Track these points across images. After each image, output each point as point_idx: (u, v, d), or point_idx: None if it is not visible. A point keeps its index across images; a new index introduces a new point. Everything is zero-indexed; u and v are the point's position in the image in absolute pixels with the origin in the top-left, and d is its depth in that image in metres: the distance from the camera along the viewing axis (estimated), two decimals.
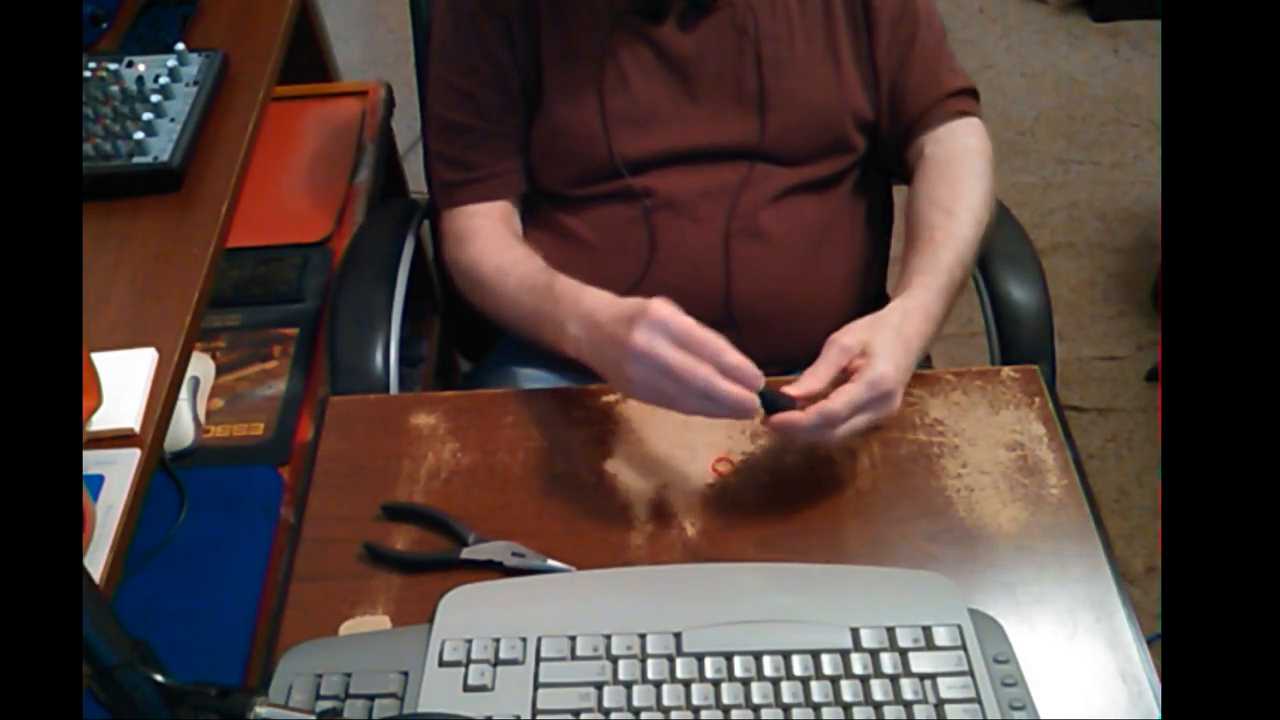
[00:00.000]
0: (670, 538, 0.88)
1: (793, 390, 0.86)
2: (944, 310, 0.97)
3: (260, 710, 0.64)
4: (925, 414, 0.95)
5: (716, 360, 0.83)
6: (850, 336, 0.88)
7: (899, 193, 1.20)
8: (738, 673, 0.76)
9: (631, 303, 0.88)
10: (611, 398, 0.98)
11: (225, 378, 1.39)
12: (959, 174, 1.07)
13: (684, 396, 0.84)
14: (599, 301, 0.94)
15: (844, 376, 0.87)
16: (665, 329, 0.84)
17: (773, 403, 0.85)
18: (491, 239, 1.10)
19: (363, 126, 1.68)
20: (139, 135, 1.18)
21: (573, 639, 0.79)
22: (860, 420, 0.86)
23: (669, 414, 0.95)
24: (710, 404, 0.84)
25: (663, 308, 0.85)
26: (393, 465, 0.94)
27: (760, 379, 0.84)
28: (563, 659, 0.78)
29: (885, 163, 1.19)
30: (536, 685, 0.77)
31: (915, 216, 1.05)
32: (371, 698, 0.76)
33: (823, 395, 0.85)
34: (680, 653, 0.78)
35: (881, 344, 0.87)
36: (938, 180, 1.07)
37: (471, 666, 0.77)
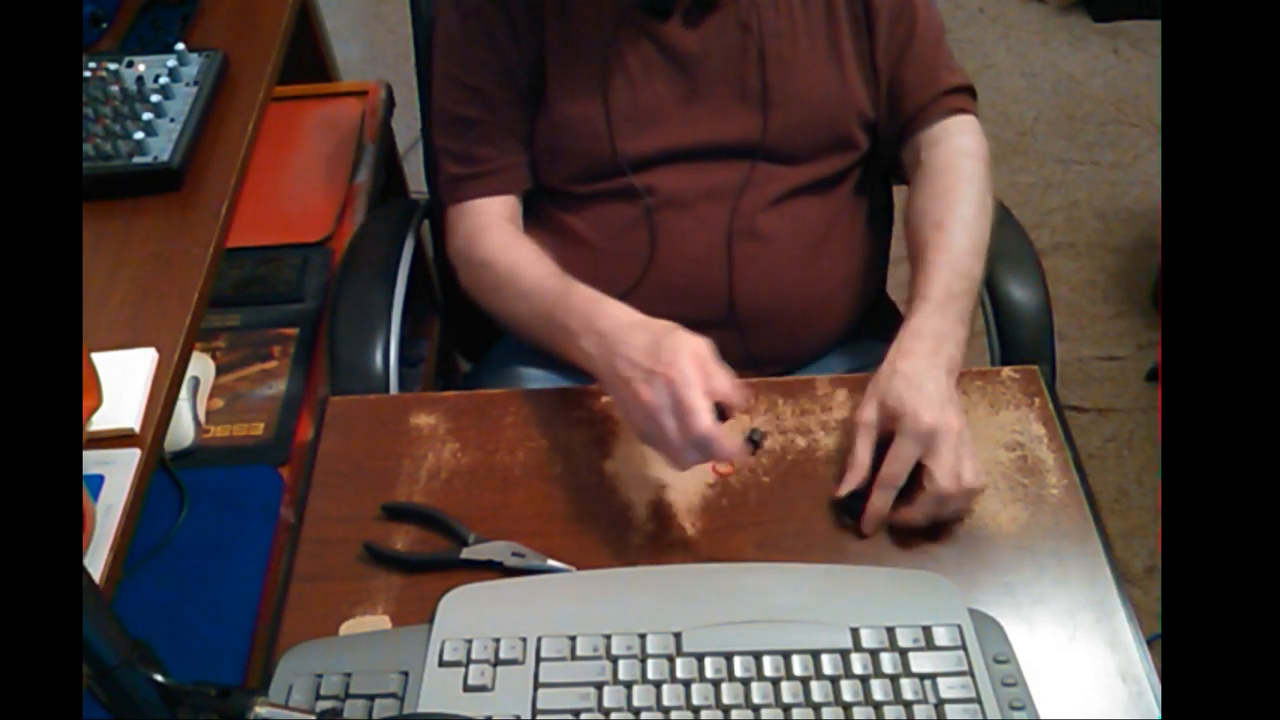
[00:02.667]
0: (670, 538, 0.88)
1: (847, 485, 0.88)
2: (953, 321, 0.96)
3: (260, 710, 0.64)
4: None
5: (704, 449, 0.84)
6: (868, 409, 0.90)
7: (899, 193, 1.20)
8: (738, 673, 0.76)
9: (655, 344, 0.87)
10: (611, 398, 0.98)
11: (225, 378, 1.39)
12: (949, 182, 1.07)
13: (672, 456, 0.86)
14: (622, 324, 0.93)
15: (887, 443, 0.89)
16: (674, 400, 0.84)
17: (853, 509, 0.88)
18: (502, 236, 1.10)
19: (363, 126, 1.69)
20: (139, 135, 1.18)
21: (573, 639, 0.79)
22: (955, 471, 0.85)
23: None
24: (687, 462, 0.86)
25: (682, 371, 0.84)
26: (393, 465, 0.94)
27: (740, 455, 0.86)
28: (563, 659, 0.78)
29: (884, 162, 1.20)
30: (536, 685, 0.77)
31: (910, 234, 1.06)
32: (371, 698, 0.76)
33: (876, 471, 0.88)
34: (680, 653, 0.78)
35: (900, 394, 0.88)
36: (929, 193, 1.07)
37: (471, 666, 0.77)
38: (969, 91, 1.15)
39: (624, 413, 0.90)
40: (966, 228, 1.02)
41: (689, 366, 0.84)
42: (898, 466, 0.86)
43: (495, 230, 1.11)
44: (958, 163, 1.08)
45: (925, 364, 0.91)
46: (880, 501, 0.87)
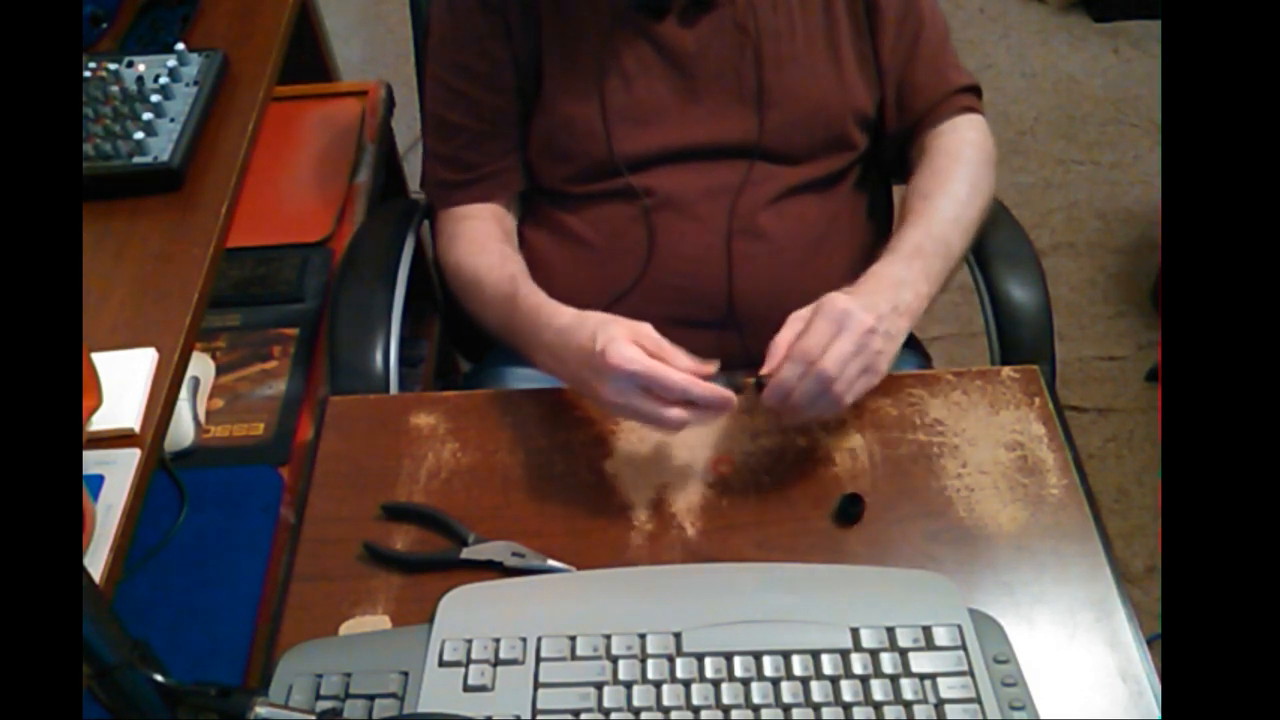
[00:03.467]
0: (670, 538, 0.88)
1: (766, 367, 0.87)
2: (916, 272, 0.96)
3: (260, 710, 0.64)
4: (925, 414, 0.95)
5: (686, 397, 0.85)
6: (804, 310, 0.90)
7: (898, 192, 1.20)
8: (738, 673, 0.76)
9: (589, 343, 0.88)
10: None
11: (225, 378, 1.39)
12: (945, 164, 1.08)
13: (666, 427, 0.87)
14: (557, 330, 0.94)
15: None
16: (632, 380, 0.85)
17: (851, 510, 0.88)
18: (472, 243, 1.11)
19: (363, 126, 1.68)
20: (139, 135, 1.18)
21: (573, 639, 0.79)
22: (846, 359, 0.85)
23: None
24: (689, 423, 0.87)
25: (619, 354, 0.85)
26: (393, 465, 0.94)
27: (732, 400, 0.86)
28: (563, 659, 0.78)
29: (885, 162, 1.20)
30: (536, 685, 0.77)
31: (900, 208, 1.07)
32: (371, 698, 0.76)
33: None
34: (680, 653, 0.78)
35: (827, 296, 0.89)
36: (925, 173, 1.08)
37: (471, 666, 0.78)
38: (976, 91, 1.15)
39: (602, 405, 0.90)
40: (953, 201, 1.03)
41: (625, 346, 0.85)
42: (809, 341, 0.86)
43: (468, 237, 1.11)
44: (958, 149, 1.09)
45: (871, 289, 0.92)
46: (787, 373, 0.86)
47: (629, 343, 0.86)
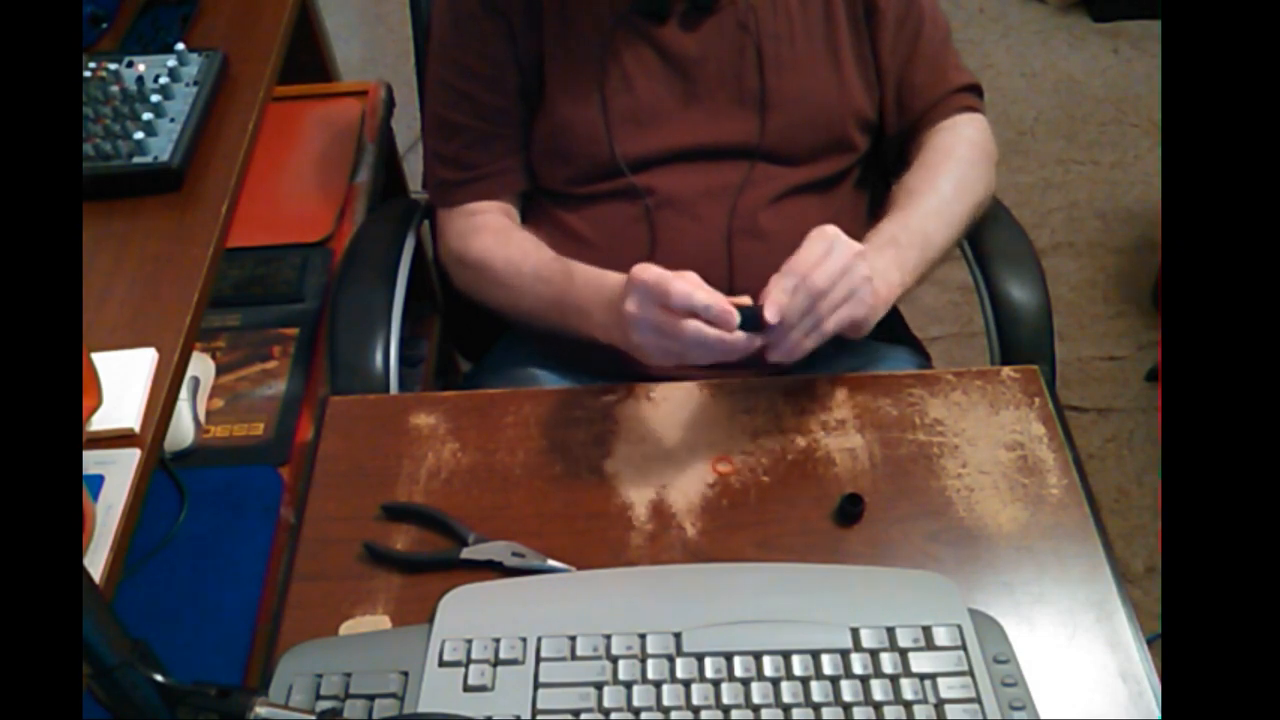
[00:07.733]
0: (670, 538, 0.88)
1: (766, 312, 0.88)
2: (884, 262, 0.96)
3: (260, 710, 0.64)
4: (925, 414, 0.96)
5: (690, 308, 0.86)
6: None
7: None
8: (738, 673, 0.76)
9: (627, 276, 0.91)
10: (611, 397, 0.98)
11: (225, 378, 1.39)
12: (933, 159, 1.08)
13: (686, 349, 0.88)
14: (610, 291, 0.97)
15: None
16: (646, 293, 0.88)
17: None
18: (497, 232, 1.11)
19: (363, 126, 1.68)
20: (139, 135, 1.18)
21: (573, 639, 0.79)
22: (835, 276, 0.87)
23: (669, 414, 0.96)
24: (708, 351, 0.88)
25: (640, 272, 0.88)
26: (393, 465, 0.94)
27: (733, 315, 0.87)
28: (563, 659, 0.78)
29: (886, 162, 1.20)
30: (536, 685, 0.77)
31: (886, 203, 1.07)
32: (371, 698, 0.76)
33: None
34: (680, 653, 0.78)
35: (818, 228, 0.91)
36: (915, 167, 1.08)
37: (471, 666, 0.78)
38: (977, 91, 1.15)
39: (634, 347, 0.92)
40: (935, 195, 1.04)
41: (643, 269, 0.88)
42: (802, 255, 0.88)
43: (487, 230, 1.11)
44: (952, 146, 1.09)
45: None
46: (781, 286, 0.87)
47: (641, 288, 0.88)
